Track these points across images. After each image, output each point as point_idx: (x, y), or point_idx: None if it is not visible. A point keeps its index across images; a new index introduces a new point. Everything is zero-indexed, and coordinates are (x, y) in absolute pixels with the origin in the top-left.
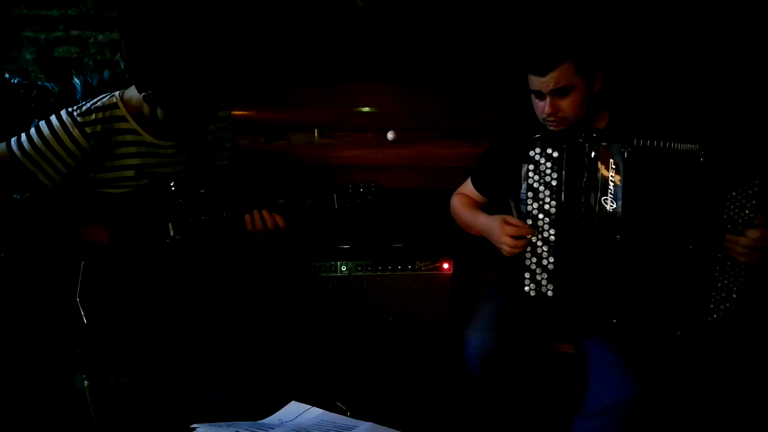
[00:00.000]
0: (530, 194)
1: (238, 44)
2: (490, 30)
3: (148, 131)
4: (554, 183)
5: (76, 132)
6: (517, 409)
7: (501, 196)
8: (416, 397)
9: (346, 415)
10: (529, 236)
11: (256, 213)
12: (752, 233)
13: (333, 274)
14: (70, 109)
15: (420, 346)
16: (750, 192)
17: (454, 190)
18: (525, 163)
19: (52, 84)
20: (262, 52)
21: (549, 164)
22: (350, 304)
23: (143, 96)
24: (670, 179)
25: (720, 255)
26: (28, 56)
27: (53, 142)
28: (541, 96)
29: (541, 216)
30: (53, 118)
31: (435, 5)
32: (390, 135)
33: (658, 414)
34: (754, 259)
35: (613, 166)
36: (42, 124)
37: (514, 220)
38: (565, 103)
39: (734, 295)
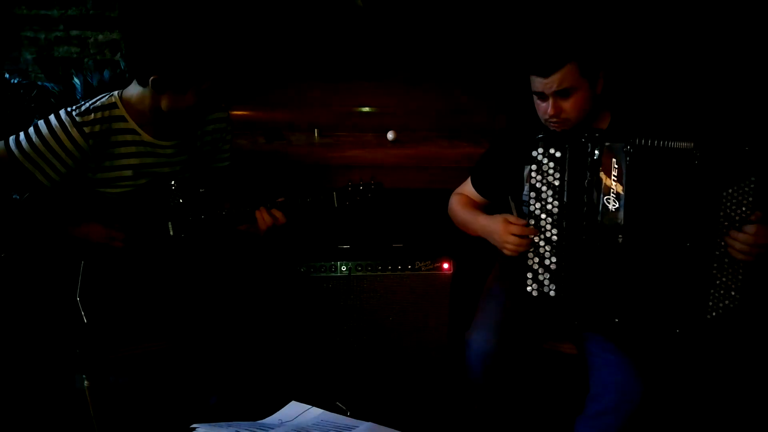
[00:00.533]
0: (533, 194)
1: (238, 44)
2: (491, 30)
3: (147, 131)
4: (557, 183)
5: (74, 132)
6: (518, 409)
7: (502, 196)
8: (416, 397)
9: (346, 415)
10: (531, 236)
11: (256, 211)
12: (749, 230)
13: (333, 274)
14: (68, 109)
15: (420, 346)
16: (746, 189)
17: (454, 190)
18: (527, 163)
19: (52, 84)
20: (263, 52)
21: (552, 164)
22: (350, 304)
23: (151, 80)
24: (669, 178)
25: (718, 253)
26: (28, 56)
27: (52, 142)
28: (543, 97)
29: (543, 216)
30: (52, 117)
31: (435, 5)
32: (390, 135)
33: (660, 414)
34: (752, 256)
35: (616, 166)
36: (41, 123)
37: (516, 219)
38: (568, 105)
39: (733, 293)
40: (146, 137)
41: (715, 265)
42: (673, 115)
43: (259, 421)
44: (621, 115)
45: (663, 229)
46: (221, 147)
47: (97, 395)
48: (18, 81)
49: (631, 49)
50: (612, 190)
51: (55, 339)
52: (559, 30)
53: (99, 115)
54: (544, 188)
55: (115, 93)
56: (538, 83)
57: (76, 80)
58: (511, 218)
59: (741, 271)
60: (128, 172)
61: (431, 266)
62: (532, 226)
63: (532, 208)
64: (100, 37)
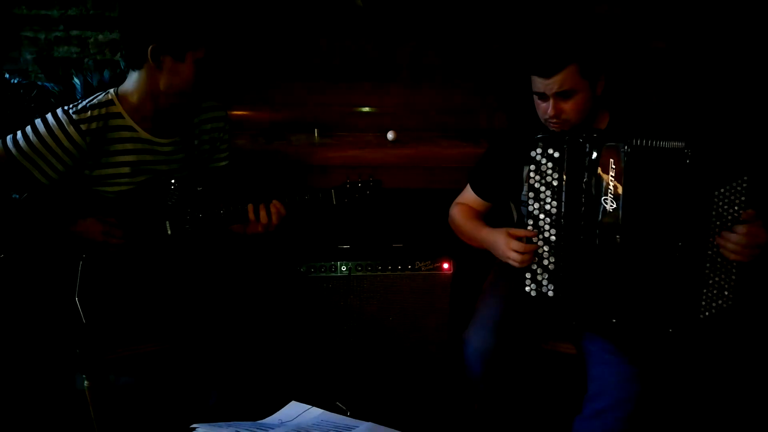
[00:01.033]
0: (531, 195)
1: (238, 44)
2: (491, 31)
3: (145, 127)
4: (555, 183)
5: (71, 129)
6: (517, 409)
7: (501, 198)
8: (416, 397)
9: (346, 415)
10: (534, 240)
11: (254, 206)
12: (740, 229)
13: (333, 274)
14: (65, 107)
15: (420, 346)
16: (739, 189)
17: (455, 190)
18: (526, 164)
19: (52, 84)
20: (263, 52)
21: (550, 165)
22: (350, 304)
23: (150, 50)
24: (664, 178)
25: (710, 252)
26: (28, 56)
27: (49, 140)
28: (544, 98)
29: (542, 216)
30: (49, 115)
31: (435, 5)
32: (390, 135)
33: (658, 414)
34: (746, 256)
35: (614, 167)
36: (38, 121)
37: (519, 231)
38: (569, 106)
39: (726, 293)
40: (143, 134)
41: (708, 265)
42: (671, 115)
43: (259, 421)
44: (620, 116)
45: (657, 229)
46: (219, 147)
47: (97, 395)
48: (18, 81)
49: (631, 49)
50: (610, 191)
51: (55, 339)
52: (561, 32)
53: (96, 112)
54: (542, 189)
55: (111, 90)
56: (540, 84)
57: (76, 80)
58: (513, 231)
59: (734, 271)
60: (126, 170)
61: (431, 266)
62: (531, 228)
63: (530, 208)
64: (100, 37)
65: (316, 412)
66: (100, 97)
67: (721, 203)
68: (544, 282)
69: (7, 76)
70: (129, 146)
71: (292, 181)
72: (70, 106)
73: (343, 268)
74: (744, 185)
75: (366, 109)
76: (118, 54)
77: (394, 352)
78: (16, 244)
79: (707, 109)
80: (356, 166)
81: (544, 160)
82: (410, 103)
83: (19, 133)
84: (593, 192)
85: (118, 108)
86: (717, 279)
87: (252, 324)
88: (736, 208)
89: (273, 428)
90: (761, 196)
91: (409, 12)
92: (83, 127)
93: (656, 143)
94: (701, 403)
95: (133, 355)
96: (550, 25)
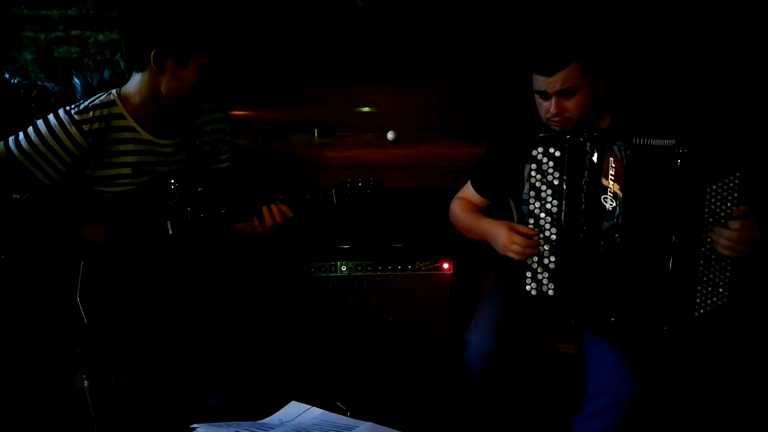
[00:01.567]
0: (532, 194)
1: (238, 44)
2: (491, 30)
3: (146, 128)
4: (556, 182)
5: (73, 130)
6: (517, 409)
7: (502, 196)
8: (416, 397)
9: (346, 415)
10: (535, 237)
11: (264, 207)
12: (733, 225)
13: (333, 274)
14: (67, 108)
15: (420, 346)
16: (731, 185)
17: (455, 190)
18: (527, 163)
19: (52, 84)
20: (263, 52)
21: (551, 164)
22: (350, 304)
23: (153, 54)
24: (659, 176)
25: (704, 250)
26: (28, 56)
27: (51, 141)
28: (546, 96)
29: (543, 215)
30: (51, 116)
31: (435, 5)
32: (390, 135)
33: (658, 413)
34: (739, 252)
35: (614, 166)
36: (40, 122)
37: (521, 227)
38: (571, 104)
39: (721, 290)
40: (145, 135)
41: (702, 262)
42: (671, 114)
43: (259, 421)
44: (621, 115)
45: (653, 228)
46: (220, 148)
47: (97, 395)
48: (18, 81)
49: (632, 48)
50: (610, 190)
51: (55, 339)
52: (564, 29)
53: (98, 113)
54: (543, 188)
55: (114, 91)
56: (542, 82)
57: (76, 80)
58: (516, 225)
59: (729, 268)
60: (127, 170)
61: (431, 266)
62: (532, 227)
63: (531, 207)
64: (100, 37)
65: (316, 412)
66: (102, 97)
67: (713, 199)
68: (545, 281)
69: (7, 76)
70: (131, 147)
71: (292, 181)
72: (72, 106)
73: (343, 268)
74: (737, 181)
75: (366, 109)
76: (118, 54)
77: (394, 352)
78: (17, 244)
79: (703, 106)
80: (356, 166)
81: (545, 159)
82: (410, 103)
83: (21, 133)
84: (594, 191)
85: (120, 109)
86: (711, 276)
87: (252, 324)
88: (729, 204)
89: (273, 428)
90: (756, 192)
91: (409, 12)
92: (85, 127)
93: (650, 141)
94: (699, 400)
95: (133, 355)
96: (552, 23)
